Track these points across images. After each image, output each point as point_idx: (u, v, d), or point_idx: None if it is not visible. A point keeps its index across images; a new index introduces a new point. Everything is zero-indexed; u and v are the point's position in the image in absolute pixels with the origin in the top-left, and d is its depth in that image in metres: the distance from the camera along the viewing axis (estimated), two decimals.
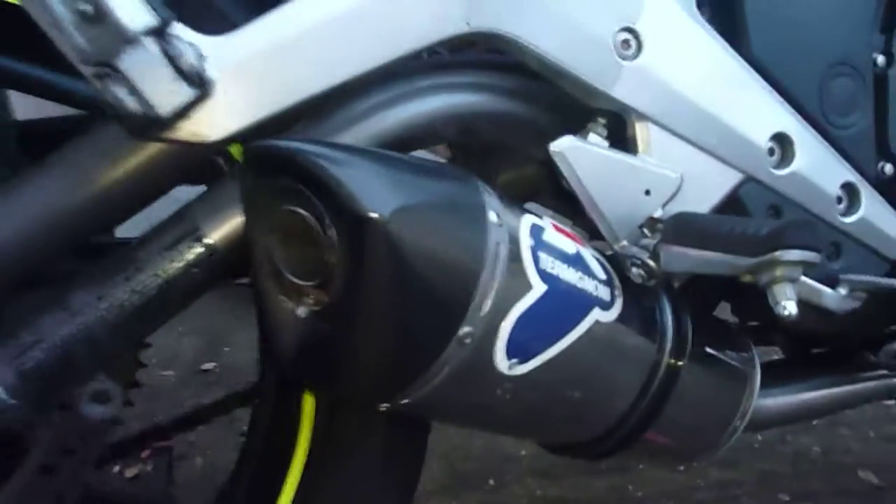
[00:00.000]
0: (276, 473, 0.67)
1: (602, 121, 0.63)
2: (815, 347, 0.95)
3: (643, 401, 0.64)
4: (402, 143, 0.57)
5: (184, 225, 0.52)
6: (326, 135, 0.55)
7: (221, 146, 0.49)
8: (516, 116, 0.62)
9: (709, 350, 0.71)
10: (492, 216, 0.50)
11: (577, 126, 0.62)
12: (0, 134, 0.60)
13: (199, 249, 0.52)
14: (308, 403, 0.64)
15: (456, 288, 0.48)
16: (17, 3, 0.44)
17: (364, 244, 0.44)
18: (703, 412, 0.72)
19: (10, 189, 0.51)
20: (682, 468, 1.13)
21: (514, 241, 0.52)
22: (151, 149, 0.51)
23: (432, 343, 0.49)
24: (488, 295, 0.50)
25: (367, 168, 0.46)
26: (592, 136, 0.62)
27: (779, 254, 0.49)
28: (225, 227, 0.53)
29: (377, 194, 0.44)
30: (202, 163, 0.55)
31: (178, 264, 0.52)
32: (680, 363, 0.65)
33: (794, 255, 0.49)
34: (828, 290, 0.69)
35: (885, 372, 0.91)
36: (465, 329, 0.49)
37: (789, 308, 0.51)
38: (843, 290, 0.68)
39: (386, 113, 0.57)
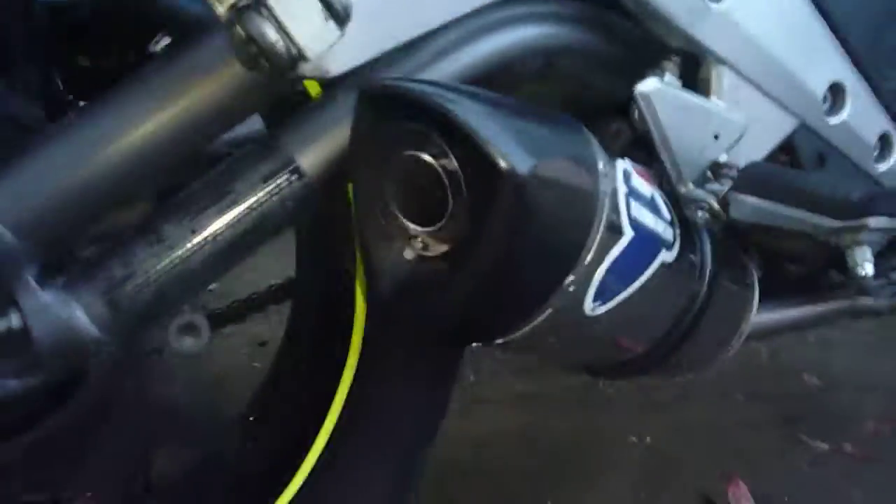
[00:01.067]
0: (330, 371, 0.68)
1: (677, 60, 0.62)
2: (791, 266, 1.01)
3: (683, 322, 0.67)
4: (489, 76, 0.56)
5: (279, 156, 0.50)
6: (418, 68, 0.53)
7: (335, 80, 0.47)
8: (598, 52, 0.61)
9: (728, 276, 0.75)
10: (601, 167, 0.51)
11: (651, 66, 0.62)
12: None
13: (295, 183, 0.50)
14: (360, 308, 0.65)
15: (571, 240, 0.49)
16: None
17: (500, 198, 0.44)
18: (722, 327, 0.77)
19: (104, 110, 0.47)
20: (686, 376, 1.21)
21: (614, 191, 0.52)
22: (231, 78, 0.48)
23: (542, 291, 0.50)
24: (593, 245, 0.51)
25: (502, 120, 0.45)
26: (668, 77, 0.62)
27: (870, 220, 0.52)
28: (320, 161, 0.51)
29: (515, 150, 0.44)
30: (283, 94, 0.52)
31: (275, 198, 0.50)
32: (712, 290, 0.69)
33: (884, 221, 0.52)
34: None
35: (852, 292, 0.99)
36: (570, 278, 0.50)
37: (867, 269, 0.54)
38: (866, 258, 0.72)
39: (473, 46, 0.55)
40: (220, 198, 0.49)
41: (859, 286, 0.97)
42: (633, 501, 1.04)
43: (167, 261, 0.48)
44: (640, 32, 0.61)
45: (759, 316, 0.91)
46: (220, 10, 0.41)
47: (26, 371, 0.49)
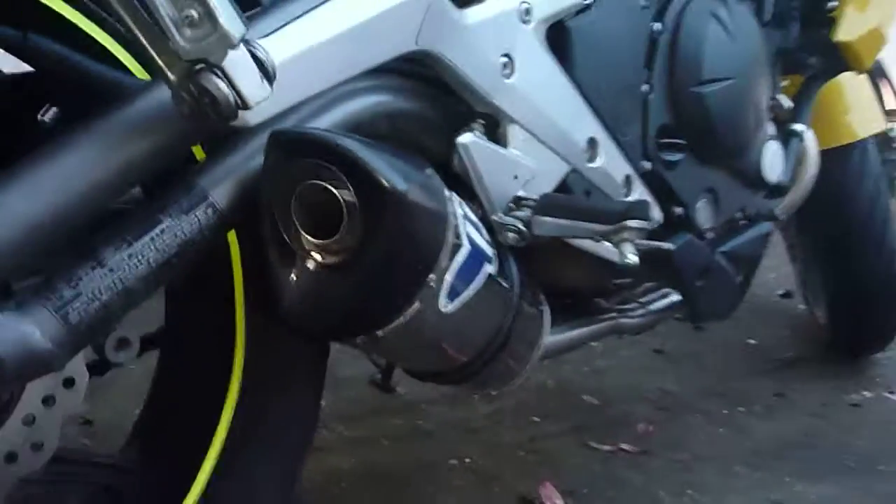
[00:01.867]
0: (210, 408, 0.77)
1: (482, 121, 0.83)
2: (568, 298, 1.24)
3: (501, 330, 0.84)
4: (355, 130, 0.72)
5: (197, 192, 0.62)
6: (301, 121, 0.68)
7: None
8: (426, 116, 0.80)
9: (527, 300, 0.94)
10: (447, 194, 0.68)
11: (464, 125, 0.82)
12: None
13: (210, 214, 0.62)
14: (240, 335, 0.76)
15: (431, 247, 0.65)
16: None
17: (386, 210, 0.60)
18: (523, 344, 0.95)
19: (54, 154, 0.56)
20: (494, 392, 1.39)
21: (454, 213, 0.70)
22: (176, 124, 0.60)
23: (412, 285, 0.65)
24: (445, 252, 0.67)
25: (383, 156, 0.61)
26: (477, 133, 0.82)
27: (629, 222, 0.74)
28: (231, 195, 0.63)
29: (395, 177, 0.60)
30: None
31: (194, 227, 0.61)
32: (518, 310, 0.87)
33: (637, 223, 0.74)
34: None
35: (614, 315, 1.24)
36: (431, 276, 0.66)
37: (632, 259, 0.76)
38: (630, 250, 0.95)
39: (341, 106, 0.71)
40: (151, 227, 0.60)
41: (619, 309, 1.24)
42: None
43: (108, 282, 0.58)
44: (456, 101, 0.81)
45: (549, 337, 1.12)
46: (172, 76, 0.53)
47: None
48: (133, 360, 0.63)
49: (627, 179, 0.98)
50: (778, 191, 1.24)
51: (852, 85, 1.57)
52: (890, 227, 1.66)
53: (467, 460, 1.34)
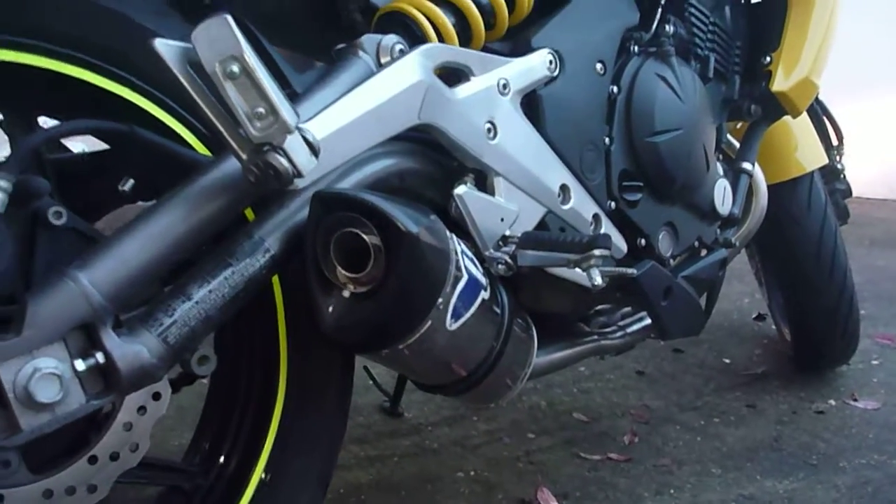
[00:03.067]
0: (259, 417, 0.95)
1: (472, 175, 1.01)
2: (553, 322, 1.41)
3: (491, 355, 1.00)
4: (373, 186, 0.90)
5: (256, 241, 0.80)
6: (333, 182, 0.86)
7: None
8: (427, 172, 0.98)
9: (517, 324, 1.11)
10: (449, 234, 0.86)
11: (456, 179, 1.01)
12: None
13: (266, 258, 0.80)
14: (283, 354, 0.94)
15: (438, 276, 0.83)
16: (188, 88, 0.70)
17: (404, 249, 0.78)
18: (515, 364, 1.11)
19: (151, 216, 0.74)
20: (490, 405, 1.55)
21: (455, 250, 0.88)
22: (238, 191, 0.78)
23: (425, 307, 0.83)
24: (449, 280, 0.85)
25: (399, 207, 0.79)
26: (469, 184, 1.00)
27: (595, 251, 0.92)
28: (282, 242, 0.81)
29: (409, 223, 0.78)
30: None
31: (255, 268, 0.79)
32: (509, 332, 1.03)
33: (601, 251, 0.93)
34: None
35: (595, 337, 1.41)
36: (440, 299, 0.84)
37: (598, 281, 0.94)
38: (597, 274, 1.12)
39: (363, 169, 0.90)
40: (223, 268, 0.78)
41: (600, 332, 1.41)
42: None
43: (195, 311, 0.75)
44: (451, 160, 1.00)
45: (537, 358, 1.28)
46: (243, 154, 0.72)
47: (104, 394, 0.72)
48: (212, 371, 0.80)
49: (596, 217, 1.16)
50: (731, 221, 1.44)
51: (797, 125, 1.79)
52: (838, 250, 1.85)
53: (471, 472, 1.50)
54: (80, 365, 0.70)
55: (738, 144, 1.55)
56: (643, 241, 1.25)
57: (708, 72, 1.38)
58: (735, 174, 1.48)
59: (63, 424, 0.71)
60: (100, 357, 0.71)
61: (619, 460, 1.57)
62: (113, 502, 0.84)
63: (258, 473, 0.94)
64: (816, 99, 1.83)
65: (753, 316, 2.51)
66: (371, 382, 1.66)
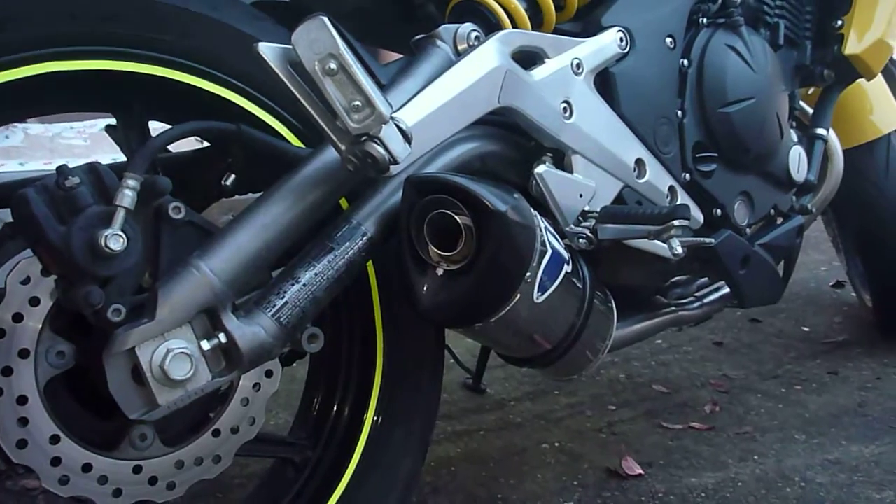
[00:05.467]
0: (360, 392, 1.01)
1: (550, 154, 1.05)
2: (632, 295, 1.44)
3: (573, 329, 1.04)
4: (458, 169, 0.95)
5: (354, 226, 0.86)
6: (423, 165, 0.91)
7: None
8: (507, 153, 1.03)
9: (598, 292, 1.15)
10: (533, 211, 0.90)
11: (534, 158, 1.04)
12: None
13: (365, 241, 0.86)
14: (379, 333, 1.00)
15: (526, 251, 0.87)
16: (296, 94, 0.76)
17: (493, 227, 0.82)
18: (595, 337, 1.14)
19: (260, 207, 0.81)
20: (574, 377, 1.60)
21: (539, 226, 0.92)
22: (343, 178, 0.84)
23: (513, 281, 0.87)
24: (535, 254, 0.89)
25: (488, 187, 0.84)
26: (548, 163, 1.04)
27: (675, 221, 0.95)
28: (378, 226, 0.87)
29: (498, 202, 0.83)
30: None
31: (354, 251, 0.85)
32: (590, 306, 1.07)
33: (681, 221, 0.95)
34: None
35: (673, 308, 1.43)
36: (527, 273, 0.88)
37: (679, 250, 0.97)
38: (677, 244, 1.14)
39: (449, 153, 0.95)
40: (326, 253, 0.83)
41: (678, 304, 1.43)
42: (560, 483, 1.40)
43: (304, 293, 0.81)
44: (529, 140, 1.04)
45: (617, 331, 1.31)
46: (342, 146, 0.77)
47: (226, 371, 0.79)
48: (320, 349, 0.86)
49: (671, 189, 1.19)
50: (806, 188, 1.43)
51: (871, 88, 1.76)
52: None
53: (556, 444, 1.54)
54: (206, 345, 0.77)
55: (811, 110, 1.54)
56: (719, 211, 1.26)
57: (778, 39, 1.38)
58: (809, 140, 1.47)
59: (192, 400, 0.78)
60: (222, 338, 0.78)
61: (702, 429, 1.59)
62: (223, 478, 0.92)
63: (362, 443, 1.01)
64: (891, 60, 1.79)
65: (832, 283, 2.47)
66: (453, 360, 1.71)
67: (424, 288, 0.87)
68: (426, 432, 1.05)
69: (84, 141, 2.11)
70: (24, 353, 0.76)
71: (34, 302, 0.77)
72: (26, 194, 0.72)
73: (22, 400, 0.76)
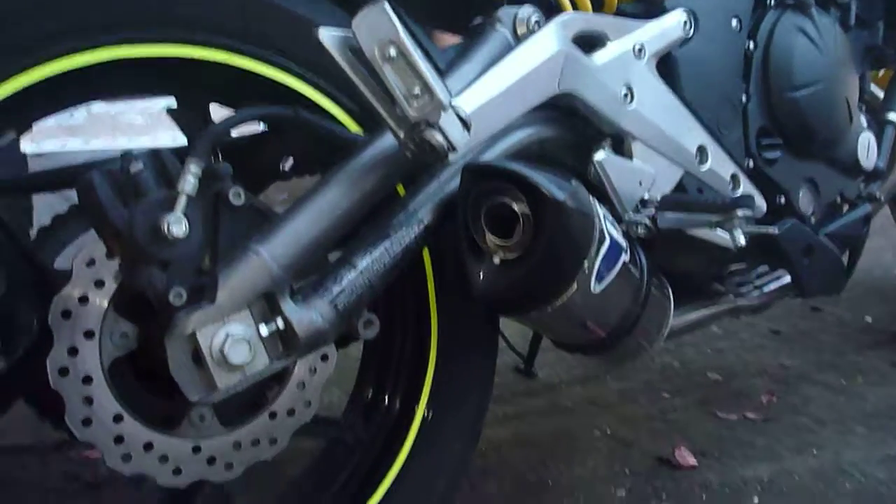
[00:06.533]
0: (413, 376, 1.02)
1: (610, 140, 1.03)
2: (690, 283, 1.41)
3: (629, 316, 1.03)
4: (516, 156, 0.94)
5: (410, 212, 0.85)
6: (480, 154, 0.90)
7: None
8: (566, 138, 1.01)
9: (655, 286, 1.12)
10: (592, 199, 0.89)
11: (595, 144, 1.02)
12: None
13: (421, 228, 0.85)
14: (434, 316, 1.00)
15: (585, 240, 0.86)
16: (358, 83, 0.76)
17: (551, 215, 0.81)
18: (652, 324, 1.13)
19: (318, 193, 0.81)
20: (627, 365, 1.58)
21: (598, 214, 0.90)
22: (394, 166, 0.84)
23: (572, 270, 0.86)
24: (594, 243, 0.88)
25: (546, 175, 0.82)
26: (607, 149, 1.02)
27: (738, 211, 0.92)
28: (434, 213, 0.86)
29: (556, 190, 0.81)
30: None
31: (410, 238, 0.85)
32: (647, 293, 1.05)
33: (745, 211, 0.93)
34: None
35: (731, 297, 1.40)
36: (585, 263, 0.87)
37: (741, 240, 0.94)
38: (740, 234, 1.12)
39: (506, 139, 0.94)
40: (383, 239, 0.83)
41: (736, 292, 1.40)
42: (610, 470, 1.39)
43: (361, 280, 0.81)
44: (588, 125, 1.02)
45: (673, 319, 1.28)
46: (400, 132, 0.77)
47: (284, 356, 0.80)
48: (376, 334, 0.87)
49: (734, 177, 1.15)
50: (875, 175, 1.38)
51: None
52: None
53: (607, 430, 1.53)
54: (264, 330, 0.78)
55: (882, 94, 1.48)
56: (783, 199, 1.23)
57: (849, 20, 1.33)
58: (880, 125, 1.42)
59: (250, 384, 0.79)
60: (280, 323, 0.78)
61: (757, 419, 1.56)
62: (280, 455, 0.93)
63: (415, 426, 1.01)
64: None
65: None
66: (505, 344, 1.71)
67: (480, 276, 0.86)
68: (478, 417, 1.05)
69: (144, 120, 2.15)
70: (89, 334, 0.78)
71: (99, 284, 0.79)
72: (91, 178, 0.74)
73: (87, 380, 0.78)
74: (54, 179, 1.04)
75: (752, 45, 1.17)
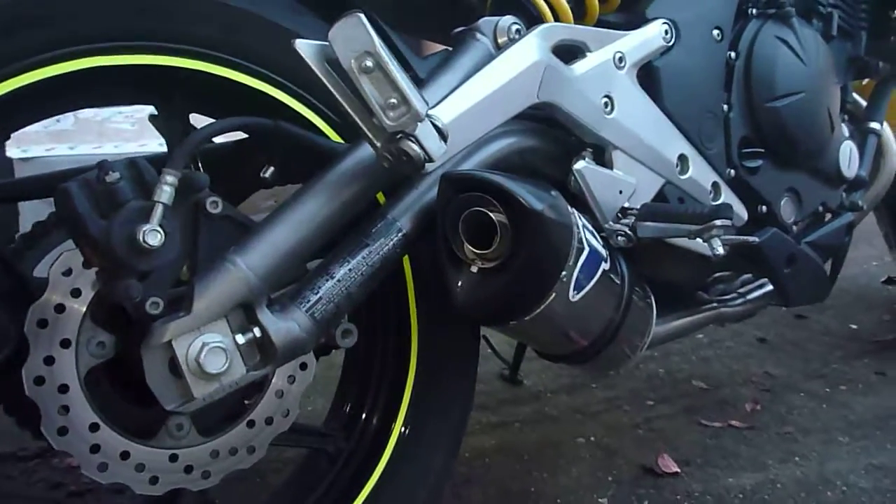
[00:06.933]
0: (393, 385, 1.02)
1: (591, 150, 1.03)
2: (672, 291, 1.41)
3: (611, 325, 1.02)
4: (495, 165, 0.94)
5: (391, 222, 0.85)
6: (458, 164, 0.91)
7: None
8: (546, 149, 1.01)
9: (637, 294, 1.12)
10: (570, 209, 0.89)
11: (575, 153, 1.03)
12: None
13: (400, 237, 0.86)
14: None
15: (562, 250, 0.86)
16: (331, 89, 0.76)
17: (529, 225, 0.82)
18: (634, 333, 1.12)
19: (296, 203, 0.81)
20: (610, 373, 1.58)
21: (577, 224, 0.91)
22: (374, 176, 0.84)
23: (549, 280, 0.86)
24: (572, 254, 0.88)
25: (524, 185, 0.83)
26: (587, 159, 1.03)
27: (716, 221, 0.93)
28: (413, 222, 0.86)
29: (534, 200, 0.82)
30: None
31: (388, 247, 0.85)
32: (629, 302, 1.05)
33: (723, 221, 0.93)
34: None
35: (715, 305, 1.41)
36: (563, 272, 0.87)
37: (720, 251, 0.95)
38: (718, 244, 1.12)
39: (483, 150, 0.94)
40: (361, 249, 0.83)
41: (720, 300, 1.41)
42: (594, 478, 1.39)
43: (338, 289, 0.82)
44: (568, 135, 1.02)
45: (656, 327, 1.29)
46: (377, 143, 0.77)
47: (260, 365, 0.80)
48: (353, 344, 0.87)
49: (715, 186, 1.16)
50: (858, 184, 1.39)
51: None
52: None
53: (592, 438, 1.53)
54: (241, 339, 0.78)
55: (864, 103, 1.50)
56: (764, 209, 1.23)
57: (831, 30, 1.34)
58: (862, 135, 1.43)
59: (227, 393, 0.79)
60: (257, 332, 0.78)
61: (742, 428, 1.56)
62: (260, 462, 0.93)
63: (395, 435, 1.01)
64: None
65: (882, 280, 2.41)
66: (490, 351, 1.71)
67: (459, 285, 0.87)
68: (459, 427, 1.05)
69: (132, 125, 2.15)
70: (65, 343, 0.78)
71: (76, 293, 0.79)
72: (69, 189, 0.74)
73: (63, 388, 0.78)
74: (37, 187, 1.04)
75: (733, 55, 1.18)
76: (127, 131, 2.16)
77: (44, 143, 2.12)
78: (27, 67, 0.79)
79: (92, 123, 2.16)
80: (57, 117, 2.12)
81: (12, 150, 2.07)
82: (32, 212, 1.13)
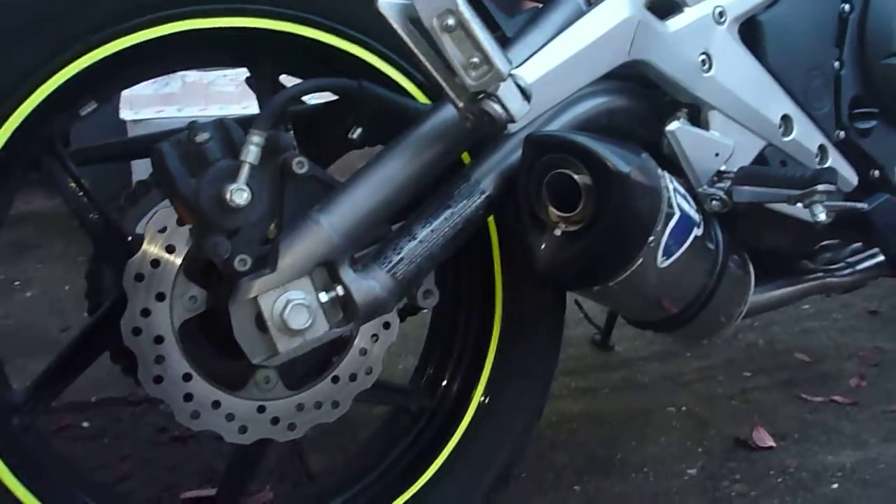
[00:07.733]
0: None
1: (686, 110, 0.99)
2: (774, 259, 1.35)
3: (704, 292, 0.99)
4: (583, 126, 0.92)
5: (472, 183, 0.85)
6: (545, 122, 0.89)
7: None
8: (637, 109, 0.98)
9: (733, 262, 1.08)
10: (660, 172, 0.86)
11: (670, 114, 0.99)
12: None
13: (483, 199, 0.85)
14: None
15: (650, 214, 0.84)
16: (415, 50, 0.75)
17: (615, 188, 0.79)
18: (730, 301, 1.08)
19: (379, 163, 0.82)
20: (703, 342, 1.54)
21: (667, 187, 0.88)
22: (457, 135, 0.83)
23: (636, 245, 0.84)
24: (660, 218, 0.85)
25: (611, 147, 0.80)
26: (682, 120, 0.98)
27: (819, 186, 0.88)
28: (496, 184, 0.86)
29: (621, 162, 0.79)
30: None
31: (471, 209, 0.84)
32: (724, 269, 1.01)
33: (826, 186, 0.88)
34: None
35: (820, 274, 1.33)
36: (651, 238, 0.85)
37: (822, 217, 0.89)
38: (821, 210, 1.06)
39: (573, 109, 0.91)
40: (443, 210, 0.83)
41: (826, 269, 1.33)
42: (683, 448, 1.36)
43: (420, 249, 0.82)
44: (662, 95, 0.98)
45: (755, 296, 1.24)
46: (460, 103, 0.76)
47: (343, 322, 0.81)
48: (435, 304, 0.87)
49: (822, 148, 1.09)
50: None
51: None
52: None
53: (682, 408, 1.50)
54: (324, 297, 0.80)
55: None
56: (877, 173, 1.15)
57: None
58: None
59: (310, 349, 0.81)
60: (339, 290, 0.80)
61: (844, 404, 1.49)
62: (351, 416, 0.95)
63: (478, 396, 1.02)
64: None
65: None
66: (582, 316, 1.69)
67: (542, 248, 0.85)
68: (542, 390, 1.05)
69: (235, 88, 2.21)
70: (160, 297, 0.82)
71: (170, 249, 0.82)
72: (162, 148, 0.77)
73: (158, 339, 0.82)
74: (145, 146, 1.09)
75: (847, 8, 1.10)
76: (231, 94, 2.22)
77: (154, 106, 2.21)
78: (129, 30, 0.82)
79: (198, 86, 2.23)
80: (166, 81, 2.21)
81: (125, 112, 2.16)
82: (145, 170, 1.18)
